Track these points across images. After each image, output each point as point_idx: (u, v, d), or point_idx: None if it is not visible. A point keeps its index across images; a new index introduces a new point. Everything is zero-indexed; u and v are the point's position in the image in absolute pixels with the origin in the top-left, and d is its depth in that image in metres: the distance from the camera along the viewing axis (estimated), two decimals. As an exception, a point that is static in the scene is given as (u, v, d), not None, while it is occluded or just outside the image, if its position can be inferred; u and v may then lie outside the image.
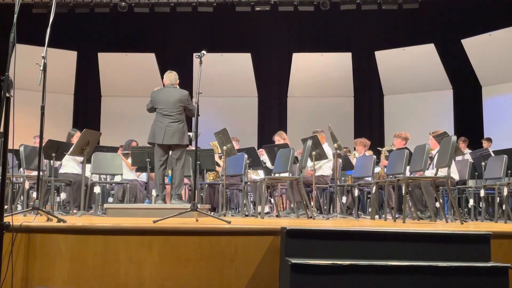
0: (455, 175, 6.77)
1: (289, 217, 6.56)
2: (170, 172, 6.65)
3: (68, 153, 6.38)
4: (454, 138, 5.29)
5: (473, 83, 11.25)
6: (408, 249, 3.15)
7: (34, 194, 6.21)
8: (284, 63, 12.39)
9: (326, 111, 11.79)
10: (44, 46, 3.89)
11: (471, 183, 7.46)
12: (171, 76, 6.19)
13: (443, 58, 11.32)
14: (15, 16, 3.24)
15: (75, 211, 6.44)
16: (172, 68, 6.46)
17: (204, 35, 12.10)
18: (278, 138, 7.73)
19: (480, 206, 7.01)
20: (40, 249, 3.33)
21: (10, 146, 3.16)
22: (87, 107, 12.50)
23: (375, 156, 7.19)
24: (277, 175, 6.55)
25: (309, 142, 6.26)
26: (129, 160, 7.59)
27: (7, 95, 3.01)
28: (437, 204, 6.41)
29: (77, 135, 6.88)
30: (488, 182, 6.61)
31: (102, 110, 12.33)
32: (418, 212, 6.24)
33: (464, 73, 11.30)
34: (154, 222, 3.73)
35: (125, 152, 7.88)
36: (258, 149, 8.04)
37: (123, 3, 11.27)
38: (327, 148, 7.08)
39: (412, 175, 5.91)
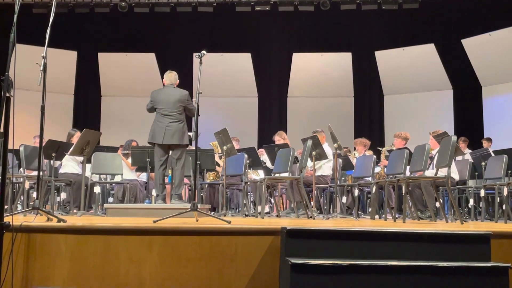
0: (455, 175, 6.77)
1: (289, 217, 6.56)
2: (170, 172, 6.65)
3: (68, 153, 6.38)
4: (454, 138, 5.29)
5: (473, 83, 11.25)
6: (408, 249, 3.15)
7: (34, 194, 6.21)
8: (284, 63, 12.39)
9: (326, 111, 11.79)
10: (44, 46, 3.89)
11: (471, 183, 7.46)
12: (171, 76, 6.19)
13: (443, 58, 11.32)
14: (15, 16, 3.24)
15: (75, 211, 6.44)
16: (172, 68, 6.46)
17: (204, 35, 12.09)
18: (278, 138, 7.73)
19: (480, 206, 7.01)
20: (40, 249, 3.33)
21: (10, 146, 3.16)
22: (87, 107, 12.50)
23: (375, 156, 7.19)
24: (277, 175, 6.55)
25: (309, 142, 6.26)
26: (129, 160, 7.59)
27: (7, 95, 3.01)
28: (437, 204, 6.41)
29: (77, 135, 6.88)
30: (488, 182, 6.61)
31: (102, 110, 12.34)
32: (418, 212, 6.24)
33: (464, 73, 11.30)
34: (154, 222, 3.73)
35: (125, 152, 7.88)
36: (258, 149, 8.04)
37: (123, 3, 11.27)
38: (327, 148, 7.08)
39: (412, 175, 5.91)
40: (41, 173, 4.37)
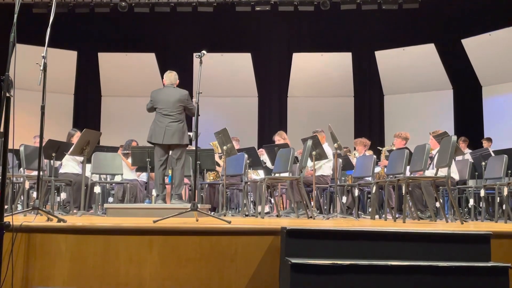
0: (455, 175, 6.77)
1: (289, 217, 6.56)
2: (170, 172, 6.65)
3: (68, 153, 6.38)
4: (454, 138, 5.29)
5: (473, 83, 11.25)
6: (408, 249, 3.15)
7: (34, 194, 6.21)
8: (284, 63, 12.39)
9: (326, 111, 11.79)
10: (44, 46, 3.89)
11: (471, 183, 7.46)
12: (171, 76, 6.19)
13: (443, 58, 11.32)
14: (15, 16, 3.24)
15: (75, 211, 6.44)
16: (172, 68, 6.46)
17: (204, 35, 12.09)
18: (278, 138, 7.73)
19: (480, 206, 7.01)
20: (40, 249, 3.33)
21: (10, 146, 3.16)
22: (87, 107, 12.50)
23: (375, 156, 7.19)
24: (277, 175, 6.55)
25: (309, 142, 6.26)
26: (129, 160, 7.59)
27: (7, 95, 3.01)
28: (437, 204, 6.41)
29: (77, 135, 6.88)
30: (488, 182, 6.61)
31: (102, 110, 12.34)
32: (418, 212, 6.24)
33: (464, 73, 11.30)
34: (154, 222, 3.73)
35: (125, 152, 7.88)
36: (258, 149, 8.04)
37: (123, 3, 11.27)
38: (327, 148, 7.08)
39: (412, 175, 5.91)
40: (41, 173, 4.37)
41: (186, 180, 7.11)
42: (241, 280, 3.33)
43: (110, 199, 7.99)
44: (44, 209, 4.18)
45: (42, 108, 3.95)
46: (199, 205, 4.50)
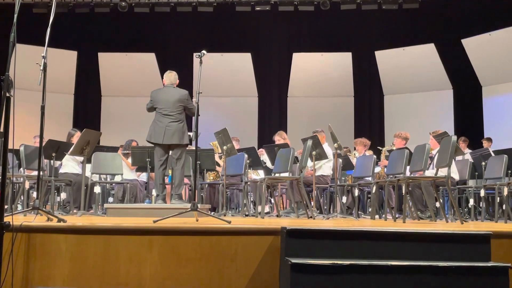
0: (455, 175, 6.77)
1: (289, 217, 6.56)
2: (170, 172, 6.65)
3: (68, 153, 6.38)
4: (454, 138, 5.29)
5: (473, 83, 11.25)
6: (408, 249, 3.15)
7: (34, 194, 6.21)
8: (284, 63, 12.39)
9: (326, 111, 11.79)
10: (44, 46, 3.89)
11: (471, 183, 7.46)
12: (171, 76, 6.20)
13: (443, 58, 11.32)
14: (15, 16, 3.24)
15: (75, 211, 6.44)
16: (172, 68, 6.47)
17: (204, 35, 12.09)
18: (278, 138, 7.73)
19: (480, 206, 7.01)
20: (40, 249, 3.33)
21: (10, 146, 3.16)
22: (87, 107, 12.50)
23: (375, 156, 7.19)
24: (277, 175, 6.55)
25: (309, 142, 6.26)
26: (129, 160, 7.59)
27: (7, 95, 3.01)
28: (437, 204, 6.41)
29: (77, 135, 6.88)
30: (488, 182, 6.61)
31: (102, 110, 12.34)
32: (418, 212, 6.24)
33: (464, 73, 11.31)
34: (154, 222, 3.73)
35: (125, 152, 7.88)
36: (258, 149, 8.04)
37: (123, 3, 11.27)
38: (327, 148, 7.08)
39: (412, 175, 5.91)
40: (41, 173, 4.37)
41: (186, 180, 7.11)
42: (241, 280, 3.33)
43: (110, 199, 7.99)
44: (44, 209, 4.18)
45: (42, 108, 3.95)
46: (199, 205, 4.50)
